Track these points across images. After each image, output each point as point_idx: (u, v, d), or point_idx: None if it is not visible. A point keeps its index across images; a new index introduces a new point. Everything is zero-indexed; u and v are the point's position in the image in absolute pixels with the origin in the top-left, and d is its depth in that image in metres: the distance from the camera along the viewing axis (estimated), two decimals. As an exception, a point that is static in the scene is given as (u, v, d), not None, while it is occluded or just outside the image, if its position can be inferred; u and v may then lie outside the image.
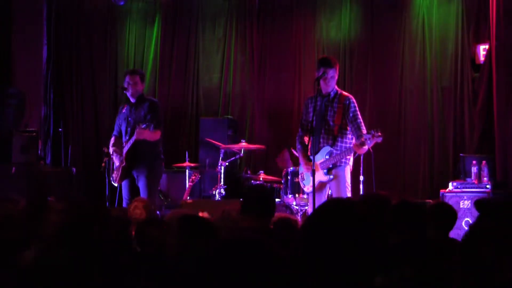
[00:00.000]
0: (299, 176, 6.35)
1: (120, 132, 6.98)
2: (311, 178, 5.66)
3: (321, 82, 5.93)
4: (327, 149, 5.90)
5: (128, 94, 6.89)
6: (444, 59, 8.77)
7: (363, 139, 5.56)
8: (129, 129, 6.82)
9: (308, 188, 6.10)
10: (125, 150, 6.73)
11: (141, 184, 6.72)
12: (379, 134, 5.46)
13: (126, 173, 6.77)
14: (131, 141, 6.63)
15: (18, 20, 9.75)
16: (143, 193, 6.66)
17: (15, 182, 8.16)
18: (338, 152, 5.85)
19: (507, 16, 7.94)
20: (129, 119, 6.83)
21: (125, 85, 6.88)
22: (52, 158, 9.89)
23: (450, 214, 4.01)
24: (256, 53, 9.74)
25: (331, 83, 5.96)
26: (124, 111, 6.94)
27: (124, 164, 6.72)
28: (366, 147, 5.66)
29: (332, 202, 2.07)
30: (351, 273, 1.87)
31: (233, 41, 9.85)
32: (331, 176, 5.86)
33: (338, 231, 1.91)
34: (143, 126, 6.44)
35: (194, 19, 10.02)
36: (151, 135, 6.58)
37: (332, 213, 1.97)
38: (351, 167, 6.06)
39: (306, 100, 6.19)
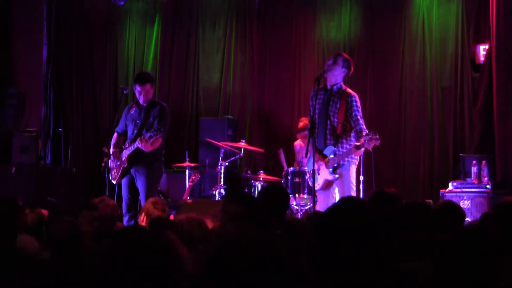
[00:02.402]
0: (307, 174, 6.35)
1: (124, 131, 6.96)
2: (318, 176, 5.69)
3: (328, 73, 5.98)
4: (331, 148, 5.91)
5: (140, 101, 6.83)
6: (444, 59, 8.76)
7: (359, 143, 5.58)
8: (135, 130, 6.78)
9: (316, 185, 6.12)
10: (127, 152, 6.72)
11: (140, 184, 6.70)
12: (377, 137, 5.48)
13: (125, 172, 6.77)
14: (133, 148, 6.63)
15: (18, 20, 9.76)
16: (141, 193, 6.65)
17: (15, 182, 8.17)
18: (341, 152, 5.86)
19: (507, 16, 7.94)
20: (137, 121, 6.78)
21: (136, 94, 6.83)
22: (52, 158, 9.89)
23: (459, 214, 4.00)
24: (256, 53, 9.74)
25: (336, 72, 5.97)
26: (132, 112, 6.86)
27: (125, 165, 6.71)
28: (363, 150, 5.69)
29: (345, 201, 2.07)
30: (361, 270, 1.87)
31: (233, 41, 9.85)
32: (337, 175, 5.88)
33: (350, 230, 1.91)
34: (147, 137, 6.42)
35: (194, 19, 10.02)
36: (151, 147, 6.57)
37: (346, 212, 1.97)
38: (356, 165, 6.06)
39: (312, 93, 6.17)
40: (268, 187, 4.39)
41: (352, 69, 6.14)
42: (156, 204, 4.73)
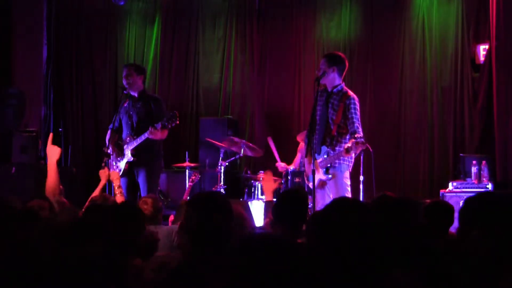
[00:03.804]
0: (304, 173, 6.37)
1: (118, 127, 6.98)
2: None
3: (324, 80, 5.98)
4: (324, 148, 5.93)
5: (126, 86, 6.87)
6: (444, 59, 8.77)
7: (348, 146, 5.57)
8: (130, 123, 6.83)
9: (312, 185, 6.14)
10: (132, 145, 6.71)
11: (141, 180, 6.74)
12: (363, 141, 5.48)
13: (128, 169, 6.78)
14: (141, 139, 6.61)
15: (18, 20, 9.75)
16: (143, 189, 6.71)
17: (15, 182, 8.16)
18: (333, 154, 5.88)
19: (507, 16, 7.94)
20: (131, 113, 6.84)
21: (124, 81, 6.88)
22: (52, 158, 9.88)
23: (447, 211, 4.02)
24: (256, 53, 9.75)
25: (330, 76, 5.97)
26: (125, 105, 6.94)
27: (131, 159, 6.72)
28: (353, 153, 5.69)
29: (337, 202, 2.07)
30: (357, 270, 1.87)
31: (233, 41, 9.86)
32: (330, 176, 5.89)
33: (342, 231, 1.91)
34: (158, 127, 6.41)
35: (194, 19, 10.03)
36: (162, 135, 6.60)
37: (337, 213, 1.97)
38: (351, 168, 6.06)
39: (315, 95, 6.19)
40: (287, 192, 4.26)
41: (345, 62, 6.10)
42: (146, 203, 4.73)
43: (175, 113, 6.38)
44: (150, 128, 6.43)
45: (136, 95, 6.87)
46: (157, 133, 6.47)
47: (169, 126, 6.41)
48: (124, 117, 6.89)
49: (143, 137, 6.57)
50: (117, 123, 6.97)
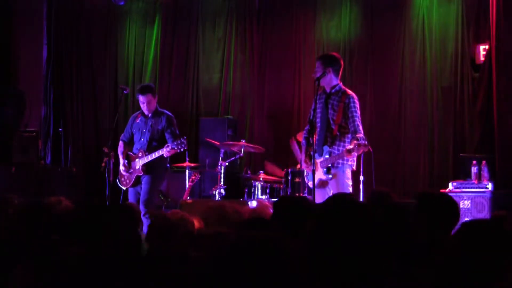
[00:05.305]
0: (305, 172, 6.37)
1: (130, 139, 7.17)
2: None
3: (322, 82, 5.98)
4: (326, 148, 5.93)
5: (145, 111, 7.05)
6: (444, 59, 8.76)
7: (350, 148, 5.57)
8: (143, 139, 7.02)
9: (311, 184, 6.15)
10: (144, 160, 6.92)
11: (144, 181, 6.97)
12: (365, 143, 5.48)
13: (137, 180, 7.01)
14: (153, 156, 6.82)
15: (18, 20, 9.76)
16: (143, 190, 6.94)
17: (15, 182, 8.17)
18: (335, 154, 5.88)
19: (507, 16, 7.94)
20: (144, 130, 7.05)
21: (140, 105, 7.09)
22: (52, 158, 9.89)
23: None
24: (256, 52, 9.74)
25: (327, 77, 5.96)
26: (138, 121, 7.15)
27: (141, 173, 6.92)
28: (355, 154, 5.68)
29: (335, 198, 2.07)
30: (356, 269, 1.87)
31: (233, 41, 9.85)
32: (330, 176, 5.89)
33: (340, 227, 1.91)
34: (173, 147, 6.62)
35: (194, 19, 10.02)
36: (175, 152, 6.79)
37: (335, 209, 1.97)
38: (353, 168, 6.05)
39: (315, 96, 6.19)
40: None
41: (340, 62, 6.09)
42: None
43: (184, 140, 6.64)
44: (166, 148, 6.65)
45: (150, 114, 7.02)
46: (172, 152, 6.72)
47: (178, 151, 6.72)
48: (136, 133, 7.16)
49: (156, 154, 6.81)
50: (129, 135, 7.16)
